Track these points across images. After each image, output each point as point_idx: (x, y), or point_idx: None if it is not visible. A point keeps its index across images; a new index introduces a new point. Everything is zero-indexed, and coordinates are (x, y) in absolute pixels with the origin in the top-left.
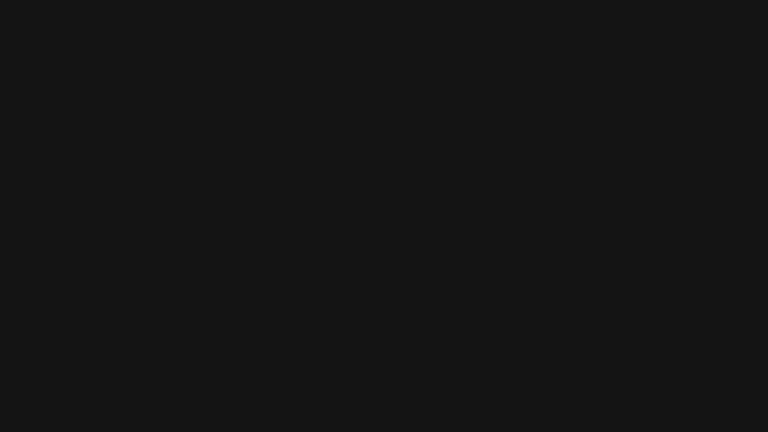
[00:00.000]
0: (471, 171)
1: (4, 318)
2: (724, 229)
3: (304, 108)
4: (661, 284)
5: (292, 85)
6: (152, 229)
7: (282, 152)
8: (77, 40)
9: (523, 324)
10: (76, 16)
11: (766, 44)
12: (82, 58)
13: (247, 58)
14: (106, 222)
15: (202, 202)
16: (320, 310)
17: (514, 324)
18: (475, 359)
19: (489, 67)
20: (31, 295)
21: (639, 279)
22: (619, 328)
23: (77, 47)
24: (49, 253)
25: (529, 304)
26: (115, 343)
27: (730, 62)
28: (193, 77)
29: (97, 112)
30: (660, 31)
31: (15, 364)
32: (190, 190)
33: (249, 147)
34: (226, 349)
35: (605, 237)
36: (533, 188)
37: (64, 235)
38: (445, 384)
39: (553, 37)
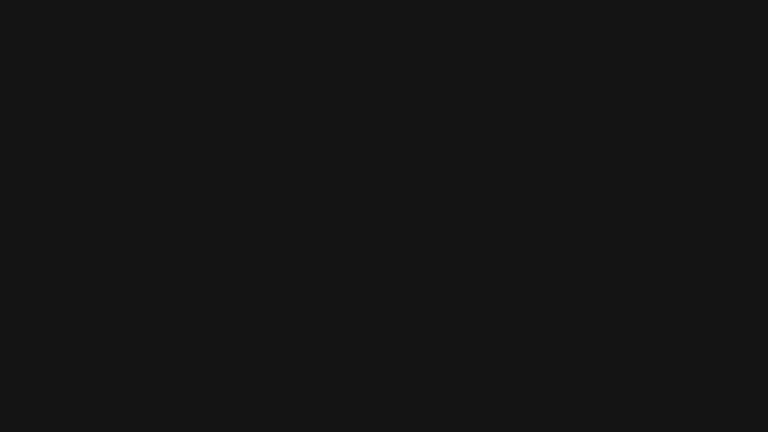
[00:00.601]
0: (471, 171)
1: (3, 318)
2: (724, 229)
3: (305, 108)
4: (661, 284)
5: (293, 85)
6: (152, 229)
7: (282, 152)
8: (77, 40)
9: (523, 324)
10: (76, 16)
11: (766, 44)
12: (82, 58)
13: (247, 58)
14: (107, 222)
15: (203, 202)
16: (320, 310)
17: (514, 324)
18: (475, 359)
19: (489, 67)
20: (31, 295)
21: (639, 279)
22: (619, 328)
23: (77, 47)
24: (49, 253)
25: (529, 304)
26: (115, 343)
27: (730, 62)
28: (194, 77)
29: (97, 112)
30: (660, 31)
31: (15, 364)
32: (190, 190)
33: (249, 147)
34: (226, 349)
35: (605, 237)
36: (533, 188)
37: (64, 235)
38: (445, 384)
39: (553, 37)
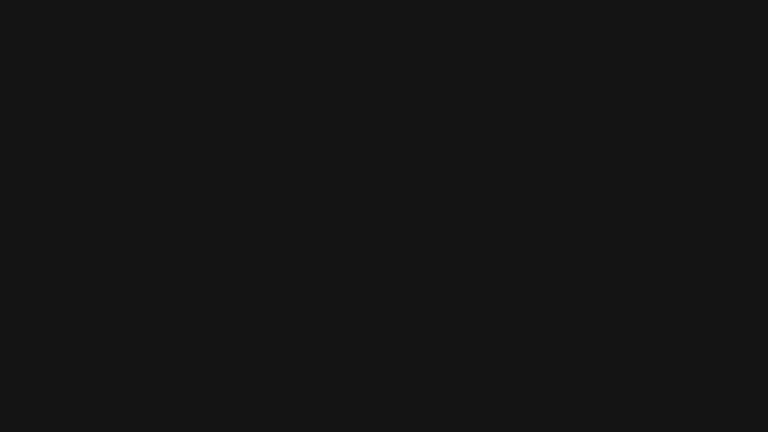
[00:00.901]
0: (471, 171)
1: (3, 318)
2: (724, 229)
3: (305, 108)
4: (661, 284)
5: (293, 85)
6: (152, 230)
7: (282, 152)
8: (77, 40)
9: (523, 324)
10: (76, 16)
11: (766, 44)
12: (82, 59)
13: (247, 58)
14: (107, 222)
15: (203, 203)
16: (320, 310)
17: (514, 324)
18: (475, 359)
19: (489, 67)
20: (31, 295)
21: (639, 279)
22: (619, 328)
23: (77, 47)
24: (49, 253)
25: (529, 304)
26: (115, 343)
27: (730, 62)
28: (193, 77)
29: (97, 112)
30: (660, 31)
31: (15, 364)
32: (190, 190)
33: (249, 147)
34: (226, 349)
35: (605, 237)
36: (534, 188)
37: (64, 235)
38: (445, 384)
39: (553, 38)
